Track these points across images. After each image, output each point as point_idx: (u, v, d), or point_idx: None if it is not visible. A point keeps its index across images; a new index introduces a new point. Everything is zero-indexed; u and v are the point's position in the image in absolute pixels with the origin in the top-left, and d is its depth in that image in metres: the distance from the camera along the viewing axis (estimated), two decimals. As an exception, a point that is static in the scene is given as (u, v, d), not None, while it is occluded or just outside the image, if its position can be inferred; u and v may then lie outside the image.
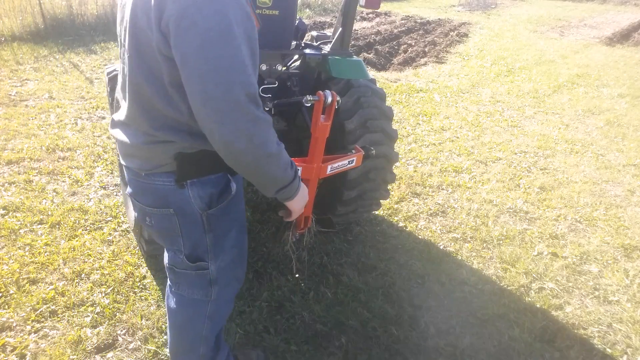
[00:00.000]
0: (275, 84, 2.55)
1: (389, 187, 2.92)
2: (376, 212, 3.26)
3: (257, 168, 1.24)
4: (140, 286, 2.46)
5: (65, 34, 7.85)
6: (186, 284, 1.60)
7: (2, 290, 2.36)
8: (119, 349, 2.09)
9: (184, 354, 1.74)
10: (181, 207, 1.42)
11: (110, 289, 2.42)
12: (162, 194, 1.41)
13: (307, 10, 13.10)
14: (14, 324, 2.17)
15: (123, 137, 1.40)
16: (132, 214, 2.64)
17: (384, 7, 14.77)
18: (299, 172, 1.46)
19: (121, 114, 1.41)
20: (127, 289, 2.44)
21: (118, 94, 1.46)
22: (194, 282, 1.59)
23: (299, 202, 1.47)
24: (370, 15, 13.24)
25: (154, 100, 1.25)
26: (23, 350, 2.04)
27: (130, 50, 1.22)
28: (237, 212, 1.56)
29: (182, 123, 1.29)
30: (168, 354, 2.06)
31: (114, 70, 2.84)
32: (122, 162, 1.46)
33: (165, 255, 1.64)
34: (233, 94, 1.10)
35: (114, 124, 1.46)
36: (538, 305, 2.53)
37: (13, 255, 2.62)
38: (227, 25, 1.08)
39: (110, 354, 2.06)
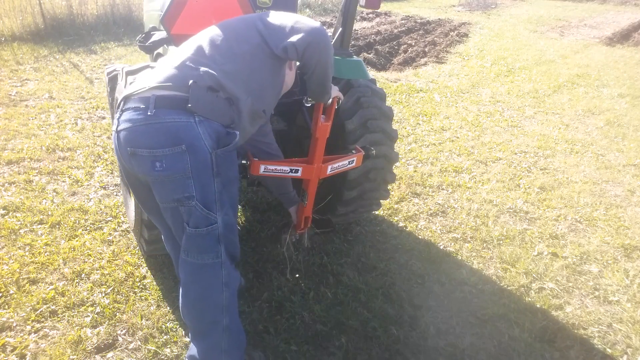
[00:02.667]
0: None
1: (389, 187, 2.91)
2: (376, 212, 3.26)
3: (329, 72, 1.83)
4: (140, 286, 2.46)
5: (65, 34, 7.85)
6: (196, 247, 1.65)
7: (2, 290, 2.36)
8: (119, 349, 2.09)
9: (207, 331, 1.72)
10: (192, 144, 1.52)
11: (110, 289, 2.42)
12: (173, 131, 1.51)
13: (307, 10, 13.10)
14: (14, 324, 2.17)
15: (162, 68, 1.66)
16: (132, 214, 2.64)
17: (384, 7, 14.77)
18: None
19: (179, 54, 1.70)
20: (127, 289, 2.44)
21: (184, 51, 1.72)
22: (204, 244, 1.64)
23: (336, 92, 2.06)
24: (370, 15, 13.24)
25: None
26: (23, 350, 2.04)
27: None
28: (235, 170, 1.79)
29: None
30: (169, 354, 2.06)
31: (114, 70, 2.84)
32: (140, 92, 1.59)
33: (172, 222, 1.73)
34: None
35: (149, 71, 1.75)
36: (538, 305, 2.53)
37: (13, 255, 2.62)
38: None
39: (110, 354, 2.06)
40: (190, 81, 1.56)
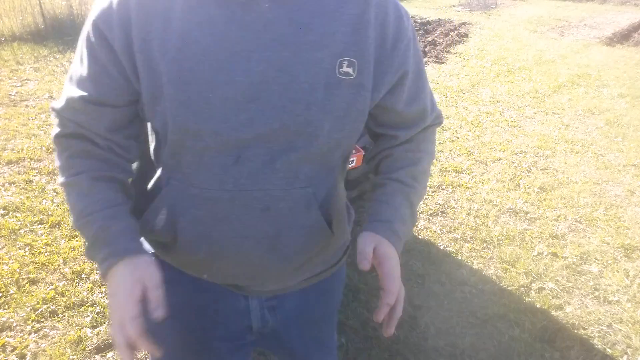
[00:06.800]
0: None
1: (389, 187, 2.91)
2: (376, 212, 3.25)
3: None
4: (140, 286, 2.46)
5: (65, 34, 7.85)
6: None
7: (2, 290, 2.36)
8: (119, 349, 2.09)
9: None
10: None
11: (110, 289, 2.42)
12: None
13: (307, 10, 13.08)
14: (14, 324, 2.17)
15: None
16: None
17: (384, 7, 14.72)
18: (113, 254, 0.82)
19: None
20: (127, 289, 2.43)
21: None
22: None
23: (113, 301, 0.78)
24: (370, 15, 13.21)
25: None
26: (23, 350, 2.04)
27: None
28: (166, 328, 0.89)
29: None
30: (168, 354, 2.06)
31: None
32: None
33: None
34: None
35: None
36: (538, 305, 2.53)
37: (13, 255, 2.62)
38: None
39: (110, 354, 2.06)
40: None
